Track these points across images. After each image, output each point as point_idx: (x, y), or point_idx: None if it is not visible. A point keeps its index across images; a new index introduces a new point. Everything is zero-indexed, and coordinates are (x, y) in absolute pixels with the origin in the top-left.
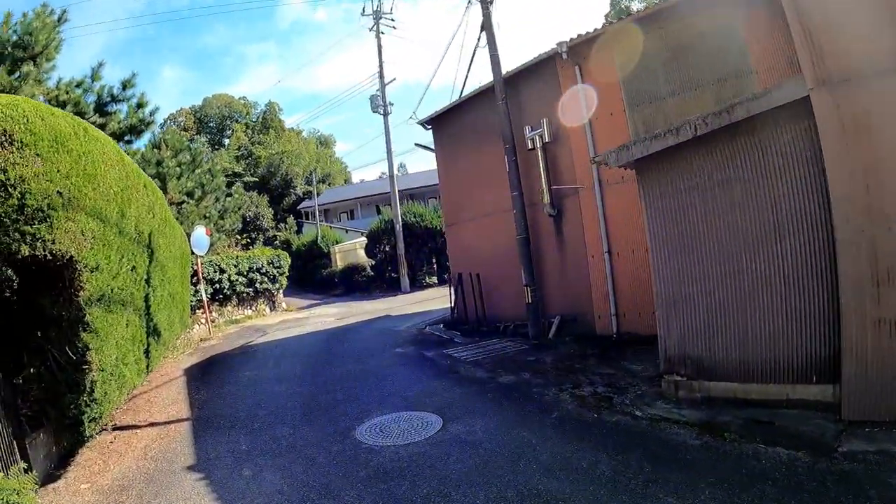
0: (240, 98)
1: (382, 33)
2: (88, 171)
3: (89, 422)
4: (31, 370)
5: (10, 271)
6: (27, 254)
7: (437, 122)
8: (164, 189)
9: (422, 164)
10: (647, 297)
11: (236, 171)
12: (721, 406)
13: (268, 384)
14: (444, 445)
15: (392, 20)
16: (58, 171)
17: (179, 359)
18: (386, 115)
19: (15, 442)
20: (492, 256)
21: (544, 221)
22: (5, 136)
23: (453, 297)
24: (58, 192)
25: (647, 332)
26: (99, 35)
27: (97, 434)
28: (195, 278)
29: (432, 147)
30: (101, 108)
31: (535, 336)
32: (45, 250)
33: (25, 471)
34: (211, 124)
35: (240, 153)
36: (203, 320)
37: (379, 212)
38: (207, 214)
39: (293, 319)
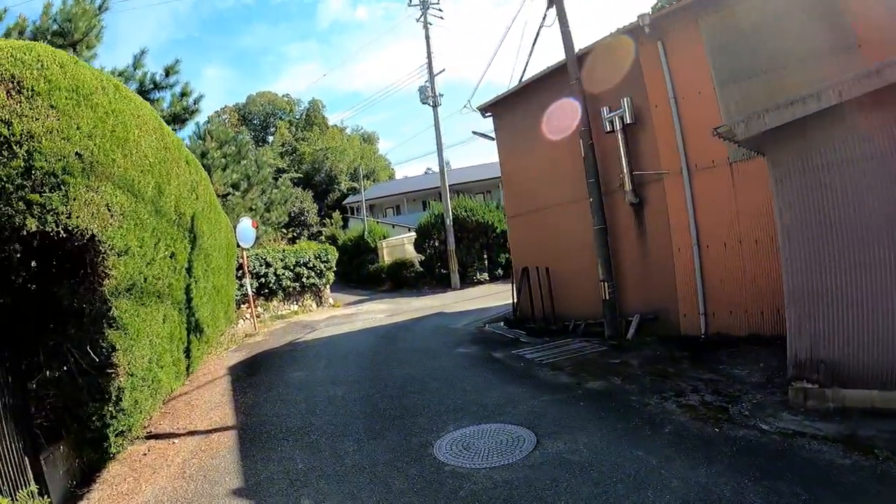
0: (283, 96)
1: (430, 24)
2: (118, 133)
3: (115, 436)
4: (48, 373)
5: (13, 250)
6: (34, 229)
7: (497, 109)
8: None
9: (467, 159)
10: (741, 294)
11: (280, 167)
12: (858, 418)
13: (321, 387)
14: (547, 468)
15: (440, 10)
16: (77, 128)
17: (223, 355)
18: (435, 106)
19: (27, 459)
20: (561, 249)
21: (623, 211)
22: (13, 82)
23: (516, 293)
24: (76, 153)
25: (742, 332)
26: (142, 36)
27: (129, 444)
28: (240, 271)
29: (491, 135)
30: (143, 95)
31: (611, 336)
32: (57, 226)
33: (39, 493)
34: (255, 121)
35: (284, 150)
36: (248, 315)
37: (425, 207)
38: (253, 207)
39: (341, 316)
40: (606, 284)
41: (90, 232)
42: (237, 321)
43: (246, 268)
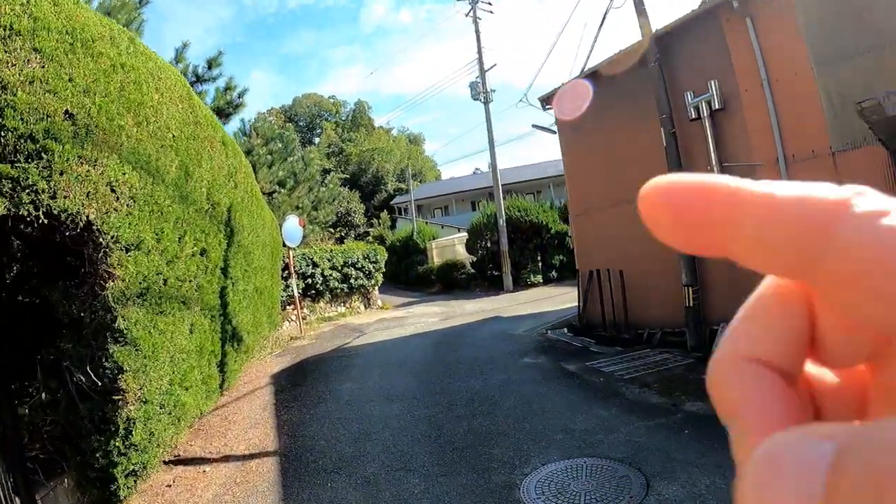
0: (329, 97)
1: (479, 18)
2: (129, 93)
3: (125, 476)
4: (44, 395)
5: None
6: (3, 212)
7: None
8: (255, 176)
9: (516, 159)
10: None
11: (327, 167)
12: None
13: (375, 404)
14: None
15: (489, 2)
16: (70, 80)
17: (266, 361)
18: (486, 102)
19: (18, 500)
20: (634, 250)
21: None
22: None
23: (582, 297)
24: (66, 112)
25: None
26: (189, 41)
27: (150, 472)
28: (286, 272)
29: (552, 128)
30: None
31: (695, 347)
32: (37, 208)
33: None
34: (301, 123)
35: (330, 150)
36: (293, 317)
37: (474, 208)
38: (300, 205)
39: (391, 318)
40: (690, 290)
41: (84, 218)
42: (282, 323)
43: (292, 268)
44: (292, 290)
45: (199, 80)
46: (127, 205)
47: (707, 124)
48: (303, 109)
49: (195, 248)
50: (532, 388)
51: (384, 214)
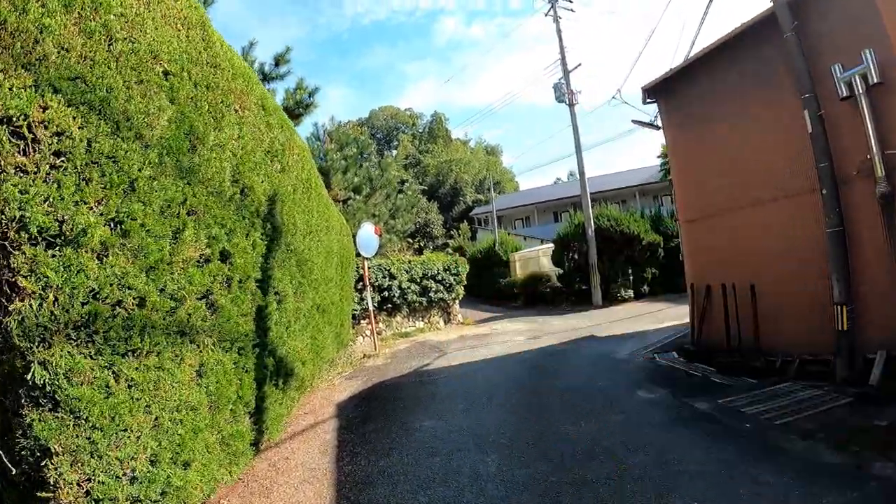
0: (405, 109)
1: (559, 17)
2: None
3: None
4: None
5: None
6: None
7: (664, 91)
8: (327, 185)
9: (597, 167)
10: None
11: (405, 178)
12: None
13: (465, 453)
14: None
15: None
16: None
17: (334, 383)
18: (572, 105)
19: None
20: (762, 261)
21: (865, 207)
22: None
23: (696, 316)
24: None
25: None
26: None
27: None
28: (360, 283)
29: (653, 123)
30: None
31: (848, 379)
32: None
33: None
34: (378, 136)
35: (407, 162)
36: (368, 332)
37: (556, 219)
38: (376, 213)
39: (473, 336)
40: (844, 309)
41: None
42: (355, 338)
43: (367, 280)
44: (367, 304)
45: (266, 78)
46: (50, 163)
47: (863, 102)
48: (379, 122)
49: (208, 251)
50: (662, 436)
51: (464, 225)
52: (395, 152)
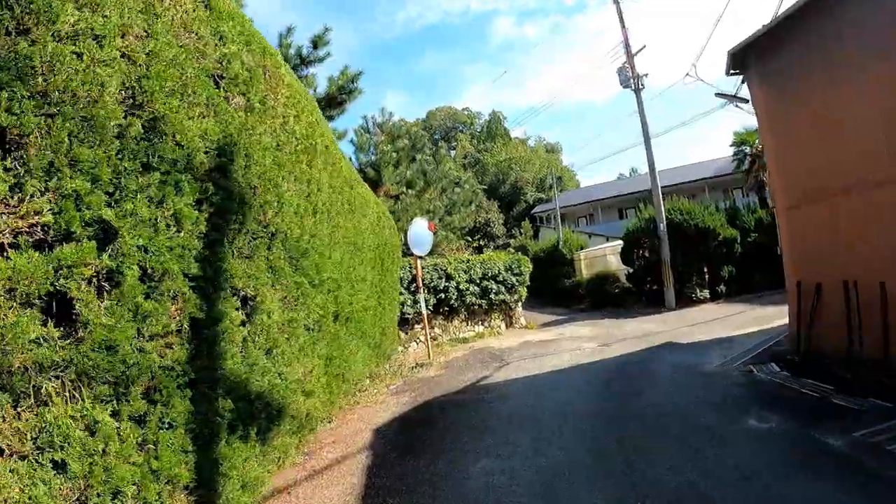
0: (463, 109)
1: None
2: None
3: None
4: None
5: None
6: None
7: (756, 54)
8: (377, 179)
9: (664, 161)
10: None
11: (461, 177)
12: None
13: None
14: None
15: None
16: None
17: (379, 398)
18: (638, 90)
19: None
20: (888, 253)
21: None
22: None
23: (804, 320)
24: None
25: None
26: (294, 25)
27: None
28: (414, 285)
29: (740, 96)
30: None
31: None
32: None
33: None
34: (436, 136)
35: (466, 161)
36: (421, 338)
37: (621, 216)
38: (431, 209)
39: (537, 342)
40: None
41: None
42: (408, 344)
43: (420, 280)
44: (421, 308)
45: (303, 61)
46: None
47: None
48: (437, 122)
49: (54, 219)
50: (788, 488)
51: (525, 223)
52: (454, 153)
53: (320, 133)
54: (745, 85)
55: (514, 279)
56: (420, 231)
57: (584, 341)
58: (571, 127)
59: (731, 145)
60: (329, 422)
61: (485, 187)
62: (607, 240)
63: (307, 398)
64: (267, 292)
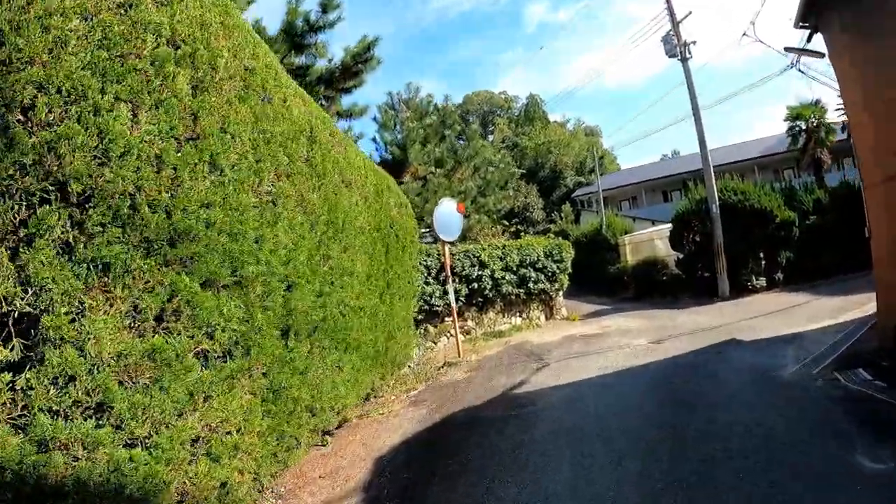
0: (500, 93)
1: None
2: None
3: None
4: None
5: None
6: None
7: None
8: (403, 159)
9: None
10: None
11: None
12: None
13: None
14: None
15: None
16: None
17: (393, 408)
18: (684, 59)
19: None
20: None
21: None
22: None
23: (889, 311)
24: None
25: None
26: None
27: None
28: (443, 274)
29: (814, 50)
30: (295, 43)
31: None
32: None
33: None
34: (472, 120)
35: (504, 145)
36: (452, 332)
37: (666, 198)
38: (463, 189)
39: (581, 337)
40: None
41: None
42: (438, 338)
43: (449, 269)
44: (450, 299)
45: (311, 28)
46: None
47: None
48: (474, 106)
49: None
50: None
51: (566, 207)
52: (491, 137)
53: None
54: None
55: (554, 266)
56: (448, 214)
57: (633, 337)
58: (610, 112)
59: (784, 119)
60: (323, 444)
61: (523, 171)
62: (653, 224)
63: (215, 464)
64: (75, 305)
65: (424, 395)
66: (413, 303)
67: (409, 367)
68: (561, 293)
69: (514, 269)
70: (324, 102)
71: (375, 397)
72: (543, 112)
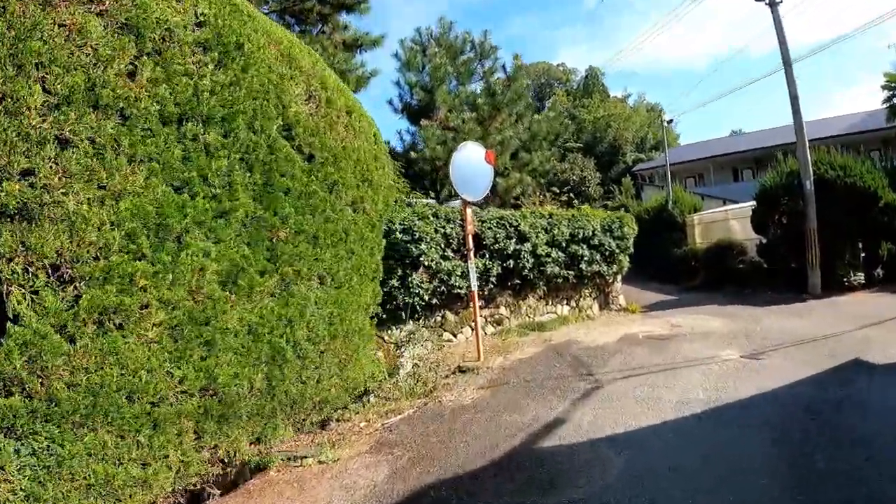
0: (558, 65)
1: None
2: None
3: None
4: None
5: None
6: None
7: None
8: (429, 103)
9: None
10: None
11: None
12: None
13: None
14: None
15: None
16: None
17: (346, 450)
18: (773, 4)
19: None
20: None
21: None
22: None
23: None
24: None
25: None
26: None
27: None
28: (465, 247)
29: None
30: None
31: None
32: None
33: None
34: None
35: (562, 118)
36: (474, 323)
37: (736, 177)
38: (501, 140)
39: (645, 339)
40: None
41: None
42: (460, 329)
43: (470, 238)
44: (471, 280)
45: None
46: None
47: None
48: (531, 78)
49: None
50: None
51: (626, 180)
52: (547, 105)
53: None
54: None
55: (613, 244)
56: (472, 163)
57: (716, 345)
58: (672, 92)
59: (883, 87)
60: None
61: (580, 146)
62: (724, 202)
63: None
64: None
65: (403, 431)
66: (373, 288)
67: (397, 378)
68: (619, 278)
69: (563, 244)
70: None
71: (339, 421)
72: (603, 86)
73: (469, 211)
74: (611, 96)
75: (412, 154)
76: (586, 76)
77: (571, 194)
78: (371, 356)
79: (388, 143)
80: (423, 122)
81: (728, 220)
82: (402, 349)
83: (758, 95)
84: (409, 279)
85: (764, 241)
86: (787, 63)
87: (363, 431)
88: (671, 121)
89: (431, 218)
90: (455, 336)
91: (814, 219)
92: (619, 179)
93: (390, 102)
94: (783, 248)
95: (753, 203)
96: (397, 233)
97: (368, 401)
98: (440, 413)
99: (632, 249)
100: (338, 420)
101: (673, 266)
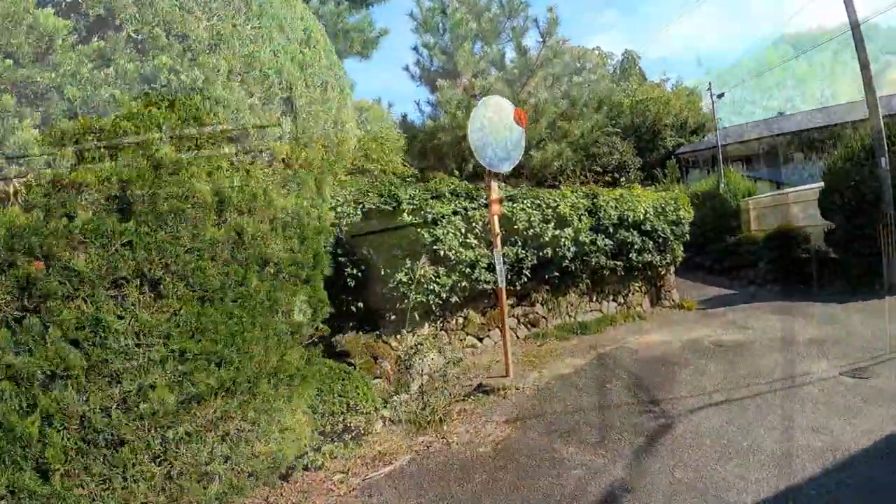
0: (593, 49)
1: None
2: None
3: None
4: None
5: None
6: None
7: None
8: (453, 68)
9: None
10: None
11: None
12: None
13: None
14: None
15: None
16: None
17: None
18: None
19: None
20: None
21: None
22: None
23: None
24: None
25: None
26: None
27: None
28: (490, 233)
29: None
30: None
31: None
32: None
33: None
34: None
35: (607, 80)
36: (512, 323)
37: (786, 160)
38: (536, 105)
39: (713, 346)
40: None
41: None
42: (487, 332)
43: (496, 222)
44: (498, 274)
45: None
46: None
47: None
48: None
49: None
50: None
51: (671, 163)
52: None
53: None
54: None
55: (667, 229)
56: (497, 122)
57: (805, 355)
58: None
59: None
60: None
61: (618, 130)
62: (778, 186)
63: None
64: None
65: (387, 500)
66: (312, 296)
67: (401, 397)
68: (673, 269)
69: (610, 230)
70: None
71: (307, 469)
72: (640, 69)
73: (494, 184)
74: (647, 80)
75: (431, 124)
76: (623, 60)
77: (616, 173)
78: (312, 404)
79: (405, 115)
80: (439, 81)
81: (789, 204)
82: (410, 361)
83: (805, 77)
84: (421, 273)
85: (831, 227)
86: (853, 24)
87: (334, 490)
88: (721, 94)
89: (449, 196)
90: (481, 340)
91: (890, 203)
92: (659, 164)
93: (406, 69)
94: (849, 236)
95: (819, 184)
96: (405, 214)
97: (352, 440)
98: (445, 466)
99: (687, 237)
100: (306, 468)
101: (725, 254)
